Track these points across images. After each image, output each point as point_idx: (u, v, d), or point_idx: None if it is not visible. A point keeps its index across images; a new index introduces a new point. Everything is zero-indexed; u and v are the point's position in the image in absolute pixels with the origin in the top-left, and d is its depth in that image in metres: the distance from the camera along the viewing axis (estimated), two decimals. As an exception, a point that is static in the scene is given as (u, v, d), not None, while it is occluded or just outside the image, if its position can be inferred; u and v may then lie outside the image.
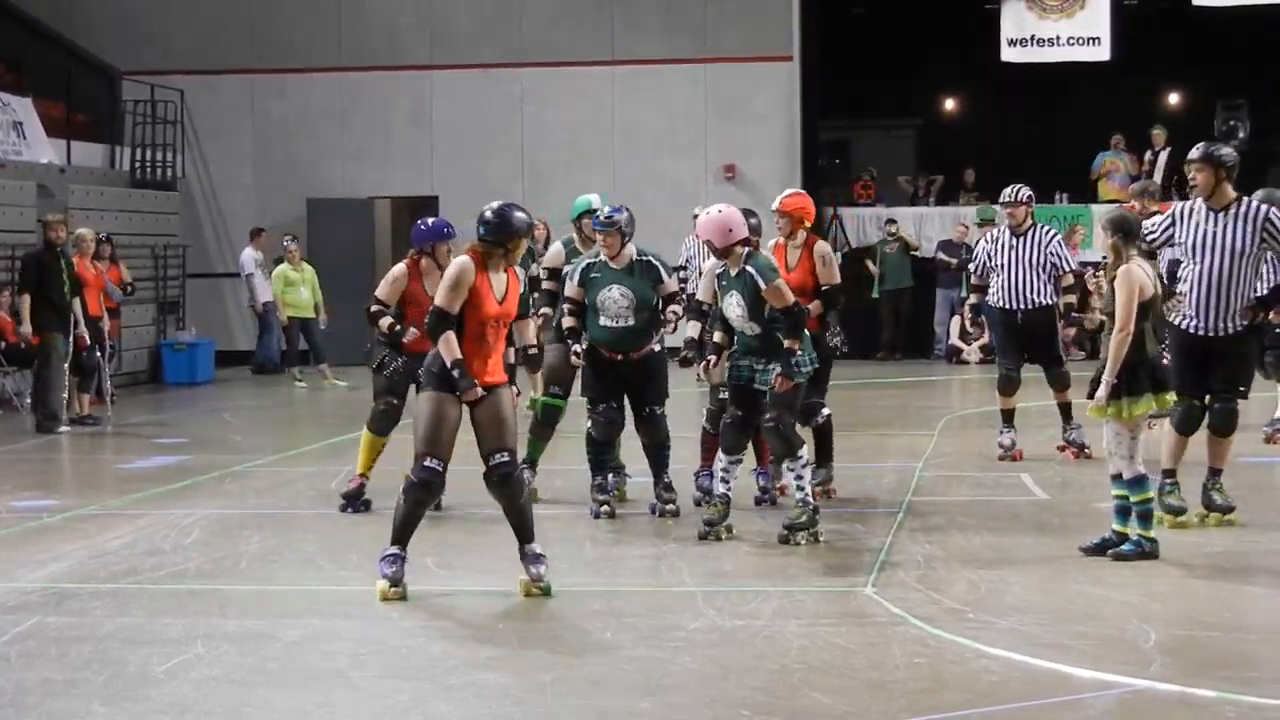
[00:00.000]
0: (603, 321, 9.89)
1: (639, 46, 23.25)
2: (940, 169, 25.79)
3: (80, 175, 21.08)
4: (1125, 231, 8.62)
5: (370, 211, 23.54)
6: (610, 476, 10.30)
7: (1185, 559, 8.52)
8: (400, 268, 10.27)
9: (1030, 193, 12.21)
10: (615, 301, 9.84)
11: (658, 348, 10.07)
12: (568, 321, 9.98)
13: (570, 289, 10.04)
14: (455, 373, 7.78)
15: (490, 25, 23.51)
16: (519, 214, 7.98)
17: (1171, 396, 8.66)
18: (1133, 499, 8.49)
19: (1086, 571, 8.18)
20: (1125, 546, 8.46)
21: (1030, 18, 22.51)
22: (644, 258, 9.96)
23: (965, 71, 27.16)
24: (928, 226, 23.46)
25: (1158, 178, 21.53)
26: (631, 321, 9.86)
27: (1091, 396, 8.50)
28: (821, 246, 10.19)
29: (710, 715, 5.95)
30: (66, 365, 15.55)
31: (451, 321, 7.82)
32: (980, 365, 20.69)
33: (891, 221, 22.78)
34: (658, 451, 10.07)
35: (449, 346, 7.81)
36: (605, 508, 10.06)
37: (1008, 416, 12.25)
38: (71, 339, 15.53)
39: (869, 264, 22.65)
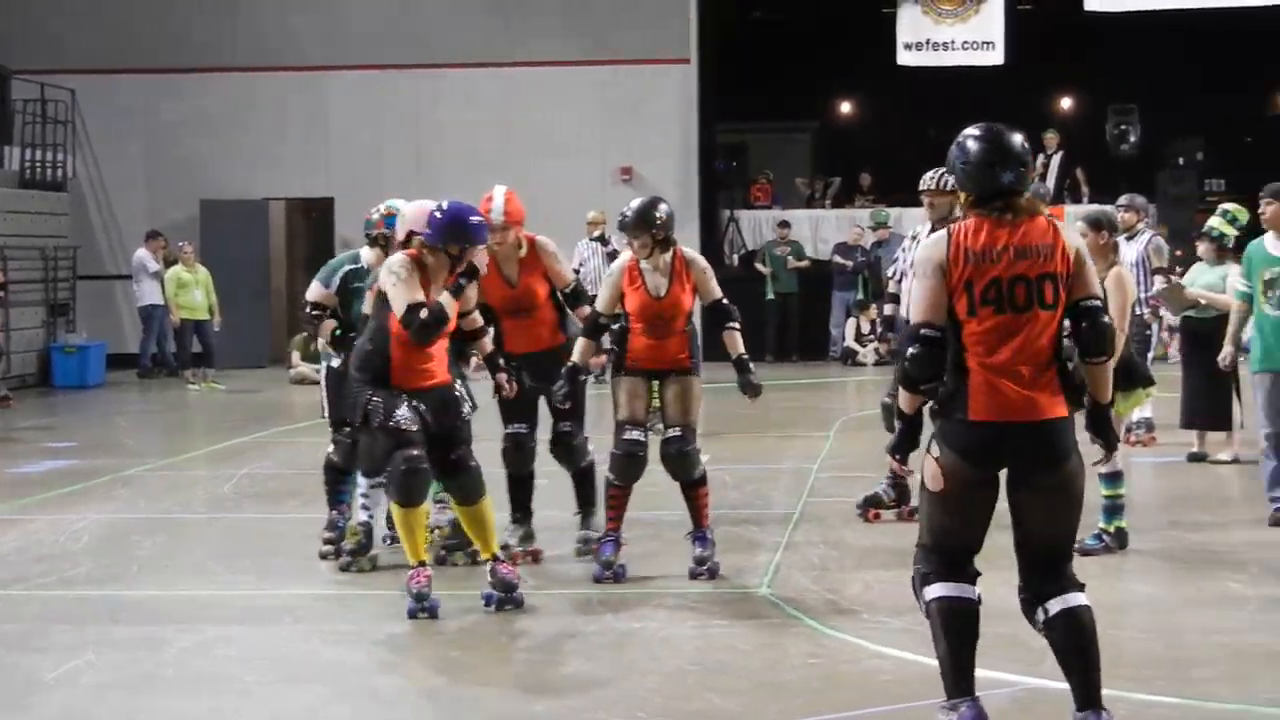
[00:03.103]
0: None
1: (537, 48, 23.18)
2: (837, 172, 25.94)
3: (-33, 175, 20.76)
4: (1114, 229, 8.72)
5: (264, 213, 23.34)
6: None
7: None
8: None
9: None
10: None
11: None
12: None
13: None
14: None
15: (388, 26, 23.35)
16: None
17: (1146, 392, 8.85)
18: (1104, 492, 8.59)
19: (985, 573, 8.22)
20: (1088, 540, 8.48)
21: (926, 22, 22.66)
22: None
23: (862, 75, 27.31)
24: (824, 229, 23.63)
25: (1050, 181, 21.80)
26: None
27: None
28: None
29: (605, 718, 5.95)
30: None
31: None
32: (875, 367, 20.76)
33: (784, 225, 22.86)
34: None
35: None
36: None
37: None
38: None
39: (758, 265, 22.65)
